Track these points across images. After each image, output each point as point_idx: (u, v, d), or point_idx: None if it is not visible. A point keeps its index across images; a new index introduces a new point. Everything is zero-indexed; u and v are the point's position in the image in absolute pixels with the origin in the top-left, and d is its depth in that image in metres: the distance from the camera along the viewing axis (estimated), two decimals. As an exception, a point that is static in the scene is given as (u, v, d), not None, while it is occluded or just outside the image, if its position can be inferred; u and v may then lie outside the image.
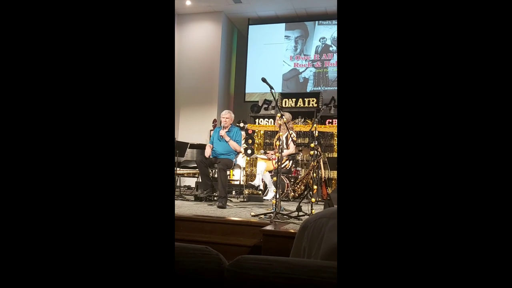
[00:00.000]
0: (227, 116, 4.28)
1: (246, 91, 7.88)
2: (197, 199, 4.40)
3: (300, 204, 3.37)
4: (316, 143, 3.74)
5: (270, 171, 4.89)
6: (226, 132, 4.23)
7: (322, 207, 3.92)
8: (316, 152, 3.97)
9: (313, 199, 3.37)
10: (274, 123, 6.53)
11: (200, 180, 4.56)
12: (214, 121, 6.77)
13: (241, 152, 4.58)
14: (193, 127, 7.27)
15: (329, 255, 0.91)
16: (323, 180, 4.98)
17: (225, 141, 4.19)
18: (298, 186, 4.93)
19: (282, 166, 4.38)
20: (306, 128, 6.27)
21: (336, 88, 7.11)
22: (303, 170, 5.75)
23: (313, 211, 3.17)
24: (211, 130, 6.66)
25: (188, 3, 7.38)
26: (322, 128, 6.18)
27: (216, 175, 4.20)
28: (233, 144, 4.20)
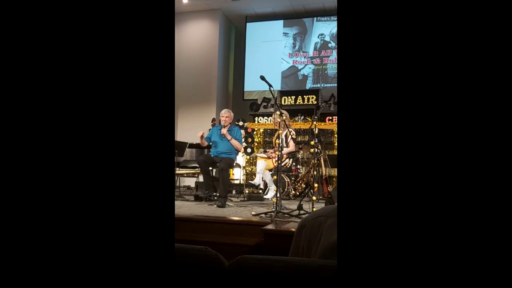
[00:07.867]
0: (226, 115, 4.27)
1: (245, 89, 7.87)
2: (197, 199, 4.39)
3: (301, 203, 3.37)
4: (316, 141, 3.74)
5: (270, 170, 4.89)
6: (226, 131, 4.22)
7: (323, 205, 3.92)
8: (316, 149, 3.97)
9: (314, 197, 3.37)
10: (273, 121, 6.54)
11: (201, 180, 4.56)
12: (213, 120, 6.76)
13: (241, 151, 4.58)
14: (192, 127, 7.25)
15: (328, 254, 0.91)
16: (323, 178, 4.98)
17: (227, 140, 4.17)
18: (298, 184, 4.93)
19: (282, 164, 4.37)
20: (306, 126, 6.26)
21: (335, 85, 7.11)
22: (303, 168, 5.76)
23: (314, 209, 3.16)
24: (209, 129, 6.66)
25: (185, 1, 7.36)
26: (322, 126, 6.17)
27: (216, 175, 4.19)
28: (235, 143, 4.19)
